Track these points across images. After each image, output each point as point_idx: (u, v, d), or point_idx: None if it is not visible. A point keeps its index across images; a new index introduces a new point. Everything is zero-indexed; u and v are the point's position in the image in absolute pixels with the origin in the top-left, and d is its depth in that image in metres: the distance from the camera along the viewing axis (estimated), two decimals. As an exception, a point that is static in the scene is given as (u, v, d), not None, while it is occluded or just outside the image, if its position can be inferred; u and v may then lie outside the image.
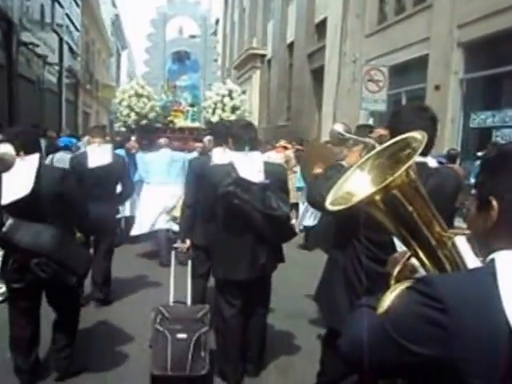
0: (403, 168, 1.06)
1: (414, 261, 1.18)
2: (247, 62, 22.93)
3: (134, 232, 6.06)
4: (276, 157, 7.70)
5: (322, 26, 14.92)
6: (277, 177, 2.98)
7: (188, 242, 3.43)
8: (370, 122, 11.76)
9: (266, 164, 2.99)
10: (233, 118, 10.12)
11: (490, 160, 1.05)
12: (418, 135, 1.17)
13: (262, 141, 10.13)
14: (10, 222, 2.13)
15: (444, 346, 0.88)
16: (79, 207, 2.83)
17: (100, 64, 27.57)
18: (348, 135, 2.28)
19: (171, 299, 3.22)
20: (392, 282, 1.15)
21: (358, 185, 1.16)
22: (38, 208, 2.41)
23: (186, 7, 11.35)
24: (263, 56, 21.64)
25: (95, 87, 24.34)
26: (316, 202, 2.02)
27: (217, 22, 34.72)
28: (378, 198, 1.07)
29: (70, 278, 2.46)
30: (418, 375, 0.97)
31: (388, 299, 1.09)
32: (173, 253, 3.50)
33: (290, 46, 18.06)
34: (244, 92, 21.25)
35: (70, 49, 18.48)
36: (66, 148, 6.54)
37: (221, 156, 3.44)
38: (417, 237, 1.14)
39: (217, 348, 3.11)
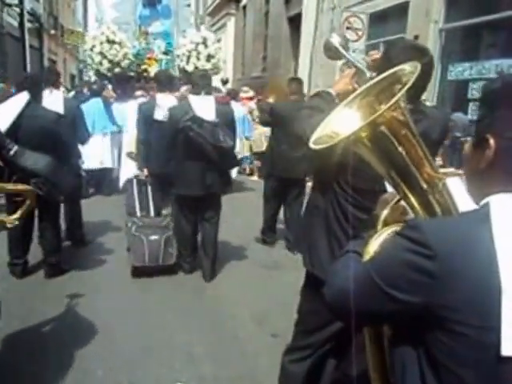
0: (392, 101, 0.95)
1: (404, 203, 1.10)
2: (221, 8, 21.92)
3: (123, 181, 6.14)
4: (240, 109, 7.72)
5: (300, -30, 14.23)
6: (225, 117, 3.84)
7: (145, 170, 4.57)
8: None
9: (217, 106, 3.86)
10: (208, 66, 9.92)
11: (491, 92, 0.94)
12: (408, 67, 1.05)
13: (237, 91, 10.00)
14: (15, 148, 2.61)
15: (431, 294, 0.83)
16: (66, 146, 3.65)
17: (65, 7, 25.89)
18: (343, 52, 2.05)
19: (138, 214, 4.71)
20: (379, 225, 1.07)
21: (344, 123, 1.06)
22: (33, 140, 3.05)
23: None
24: (238, 1, 20.67)
25: (61, 33, 22.93)
26: (299, 135, 1.91)
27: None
28: (364, 134, 0.98)
29: (58, 196, 3.06)
30: (403, 323, 0.92)
31: (375, 244, 1.01)
32: (134, 180, 4.97)
33: (267, -9, 17.26)
34: (219, 40, 20.59)
35: (31, -11, 17.21)
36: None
37: (163, 98, 4.49)
38: (406, 178, 1.06)
39: (176, 249, 4.10)
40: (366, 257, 0.99)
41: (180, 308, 3.50)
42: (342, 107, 1.10)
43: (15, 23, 15.37)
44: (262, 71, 17.67)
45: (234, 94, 8.59)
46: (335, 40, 2.07)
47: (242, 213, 6.06)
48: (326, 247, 1.85)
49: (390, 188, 1.18)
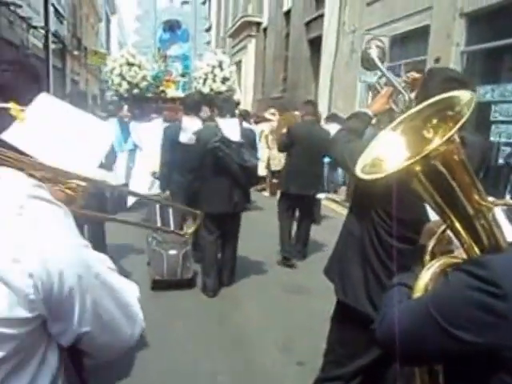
0: (448, 135, 0.91)
1: (450, 232, 1.05)
2: (242, 30, 22.28)
3: (131, 200, 6.31)
4: (261, 127, 7.83)
5: (320, -6, 14.44)
6: (248, 137, 4.08)
7: (167, 192, 4.69)
8: (369, 95, 11.56)
9: (241, 128, 4.13)
10: (223, 88, 10.25)
11: None
12: (464, 95, 1.00)
13: (250, 112, 10.24)
14: None
15: (499, 335, 0.77)
16: None
17: (88, 29, 26.67)
18: (380, 66, 1.96)
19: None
20: (427, 257, 1.01)
21: (390, 151, 1.02)
22: None
23: None
24: (259, 24, 20.99)
25: (84, 54, 23.55)
26: (337, 160, 1.89)
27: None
28: (413, 167, 0.94)
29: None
30: (462, 362, 0.86)
31: (425, 277, 0.95)
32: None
33: (287, 13, 17.49)
34: (239, 62, 20.86)
35: (56, 11, 17.73)
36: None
37: (188, 122, 4.55)
38: (455, 207, 1.01)
39: (201, 266, 4.22)
40: (418, 292, 0.94)
41: (203, 330, 3.44)
42: (388, 132, 1.06)
43: (40, 44, 15.81)
44: (282, 92, 17.79)
45: (246, 115, 8.79)
46: (373, 52, 1.99)
47: (256, 229, 6.04)
48: (360, 276, 1.79)
49: (432, 216, 1.13)
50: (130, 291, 0.77)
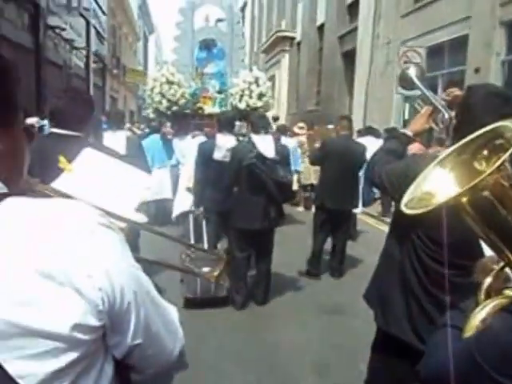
0: (496, 164, 0.84)
1: (508, 270, 0.96)
2: (276, 45, 22.49)
3: (176, 212, 6.24)
4: (290, 143, 7.82)
5: (354, 7, 14.39)
6: (282, 153, 4.06)
7: (201, 208, 4.74)
8: (406, 107, 11.35)
9: (276, 144, 4.10)
10: (259, 104, 10.45)
11: None
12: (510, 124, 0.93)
13: (286, 126, 10.33)
14: None
15: None
16: None
17: (127, 48, 27.60)
18: (420, 86, 1.89)
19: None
20: (481, 295, 0.94)
21: (439, 184, 0.96)
22: None
23: None
24: (292, 39, 21.14)
25: (122, 72, 24.37)
26: (375, 181, 1.81)
27: (244, 5, 34.28)
28: (463, 199, 0.87)
29: None
30: None
31: (477, 319, 0.88)
32: (190, 215, 5.18)
33: (321, 28, 17.53)
34: (273, 77, 21.01)
35: (97, 33, 18.46)
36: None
37: (222, 139, 4.54)
38: (509, 241, 0.93)
39: (230, 282, 4.09)
40: (468, 333, 0.87)
41: (237, 351, 3.38)
42: (435, 165, 1.00)
43: (82, 64, 16.48)
44: (316, 105, 17.76)
45: (283, 130, 8.79)
46: (412, 72, 1.94)
47: (290, 245, 5.97)
48: (401, 304, 1.70)
49: (487, 250, 1.05)
50: (172, 310, 0.85)
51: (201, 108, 11.02)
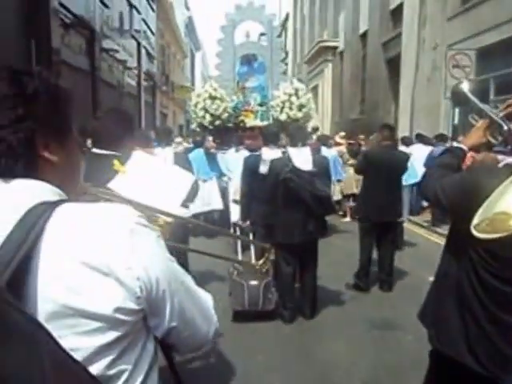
0: None
1: None
2: (318, 55, 22.48)
3: (234, 218, 6.39)
4: (331, 153, 7.79)
5: (397, 13, 14.16)
6: (321, 165, 4.00)
7: (248, 222, 4.79)
8: (455, 112, 11.00)
9: (314, 156, 4.03)
10: (300, 115, 10.56)
11: None
12: None
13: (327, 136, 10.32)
14: None
15: None
16: None
17: (175, 66, 28.50)
18: (474, 100, 1.85)
19: (240, 259, 4.81)
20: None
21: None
22: None
23: (253, 12, 12.01)
24: (335, 48, 21.07)
25: (171, 88, 25.18)
26: (429, 196, 1.77)
27: (286, 18, 34.54)
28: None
29: None
30: None
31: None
32: (237, 228, 5.25)
33: (363, 35, 17.38)
34: (316, 87, 21.02)
35: (147, 53, 19.24)
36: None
37: (268, 152, 4.59)
38: None
39: (278, 297, 4.12)
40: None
41: (285, 366, 3.36)
42: (506, 187, 0.99)
43: (133, 83, 17.21)
44: (360, 114, 17.55)
45: (324, 140, 8.76)
46: (465, 86, 1.89)
47: (336, 257, 5.91)
48: (458, 323, 1.62)
49: None
50: (207, 299, 0.96)
51: (243, 121, 11.26)
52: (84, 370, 0.69)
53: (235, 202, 5.92)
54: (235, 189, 6.13)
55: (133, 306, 0.75)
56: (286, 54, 22.59)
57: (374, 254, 5.10)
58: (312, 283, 4.25)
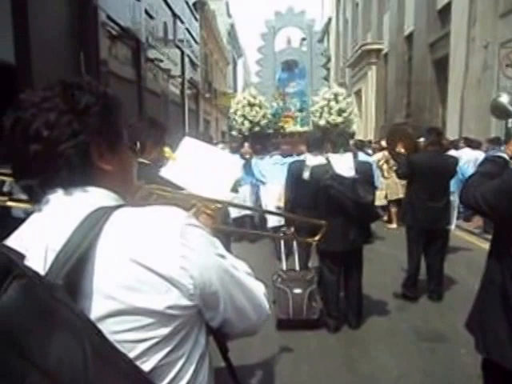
0: None
1: None
2: (362, 58, 22.16)
3: (271, 224, 6.51)
4: (368, 159, 7.64)
5: (445, 12, 13.73)
6: (364, 172, 3.88)
7: (292, 228, 4.62)
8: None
9: (356, 162, 3.94)
10: (339, 120, 10.49)
11: None
12: None
13: (372, 140, 10.10)
14: None
15: None
16: None
17: (218, 73, 28.98)
18: None
19: (284, 267, 4.69)
20: None
21: None
22: None
23: (293, 18, 12.12)
24: (379, 51, 20.70)
25: (214, 95, 25.60)
26: (469, 204, 1.74)
27: (328, 22, 34.33)
28: None
29: None
30: None
31: None
32: (281, 234, 5.07)
33: (409, 37, 16.96)
34: (359, 90, 20.76)
35: (191, 61, 19.64)
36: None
37: (312, 159, 4.58)
38: None
39: (323, 306, 4.06)
40: None
41: (329, 377, 3.29)
42: None
43: (177, 91, 17.61)
44: (406, 117, 17.11)
45: (360, 146, 8.62)
46: (504, 99, 1.86)
47: (382, 265, 5.75)
48: (504, 330, 1.57)
49: None
50: (258, 288, 0.98)
51: (282, 127, 11.33)
52: (134, 366, 0.74)
53: (278, 208, 5.92)
54: (279, 194, 6.13)
55: (186, 302, 0.79)
56: (329, 58, 22.46)
57: (423, 262, 4.91)
58: (357, 292, 4.15)
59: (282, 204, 5.31)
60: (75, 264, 0.73)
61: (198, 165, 1.51)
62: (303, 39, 12.98)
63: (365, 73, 22.33)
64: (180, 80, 17.68)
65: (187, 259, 0.79)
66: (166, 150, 1.59)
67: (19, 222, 0.87)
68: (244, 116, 11.03)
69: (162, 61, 14.26)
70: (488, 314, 1.68)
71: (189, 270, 0.79)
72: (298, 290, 4.05)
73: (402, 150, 5.17)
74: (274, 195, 6.44)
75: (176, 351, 0.81)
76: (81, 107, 0.82)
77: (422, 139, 6.31)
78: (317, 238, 1.56)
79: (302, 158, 5.21)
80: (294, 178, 4.68)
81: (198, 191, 1.25)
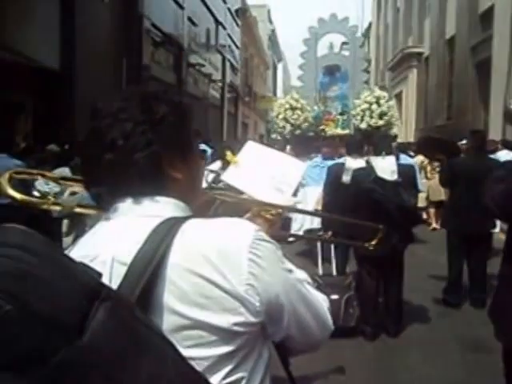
0: None
1: None
2: (403, 62, 21.86)
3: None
4: (409, 162, 7.57)
5: (487, 16, 13.43)
6: (406, 175, 3.79)
7: (329, 232, 4.57)
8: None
9: (399, 165, 3.86)
10: (381, 123, 10.40)
11: None
12: None
13: (411, 143, 9.96)
14: None
15: None
16: None
17: (258, 77, 29.14)
18: None
19: (320, 272, 4.65)
20: None
21: None
22: None
23: (336, 24, 12.17)
24: (420, 54, 20.39)
25: (253, 99, 25.76)
26: (488, 205, 1.82)
27: (369, 26, 33.99)
28: None
29: None
30: None
31: None
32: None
33: (450, 40, 16.70)
34: (400, 93, 20.41)
35: (232, 66, 19.94)
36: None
37: (352, 162, 4.53)
38: None
39: (360, 312, 3.88)
40: None
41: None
42: None
43: (217, 95, 17.92)
44: (447, 120, 16.78)
45: (402, 148, 8.56)
46: None
47: (423, 269, 5.51)
48: None
49: None
50: (322, 303, 0.95)
51: (323, 130, 11.34)
52: (204, 379, 0.73)
53: (316, 211, 5.94)
54: (317, 198, 6.15)
55: (252, 319, 0.78)
56: (369, 62, 22.26)
57: (465, 267, 4.67)
58: (397, 298, 4.01)
59: (320, 207, 5.24)
60: (149, 279, 0.72)
61: (261, 169, 1.48)
62: (343, 43, 13.00)
63: (405, 76, 21.99)
64: (220, 84, 17.97)
65: (255, 276, 0.77)
66: (228, 153, 1.57)
67: (53, 220, 0.92)
68: (286, 119, 11.17)
69: (203, 66, 14.55)
70: (508, 308, 1.77)
71: (256, 288, 0.77)
72: (334, 296, 3.83)
73: (442, 157, 5.11)
74: (312, 198, 6.45)
75: (240, 368, 0.79)
76: (156, 118, 0.82)
77: (464, 141, 6.17)
78: (373, 242, 1.54)
79: (341, 160, 5.13)
80: (333, 180, 4.61)
81: (260, 196, 1.25)
